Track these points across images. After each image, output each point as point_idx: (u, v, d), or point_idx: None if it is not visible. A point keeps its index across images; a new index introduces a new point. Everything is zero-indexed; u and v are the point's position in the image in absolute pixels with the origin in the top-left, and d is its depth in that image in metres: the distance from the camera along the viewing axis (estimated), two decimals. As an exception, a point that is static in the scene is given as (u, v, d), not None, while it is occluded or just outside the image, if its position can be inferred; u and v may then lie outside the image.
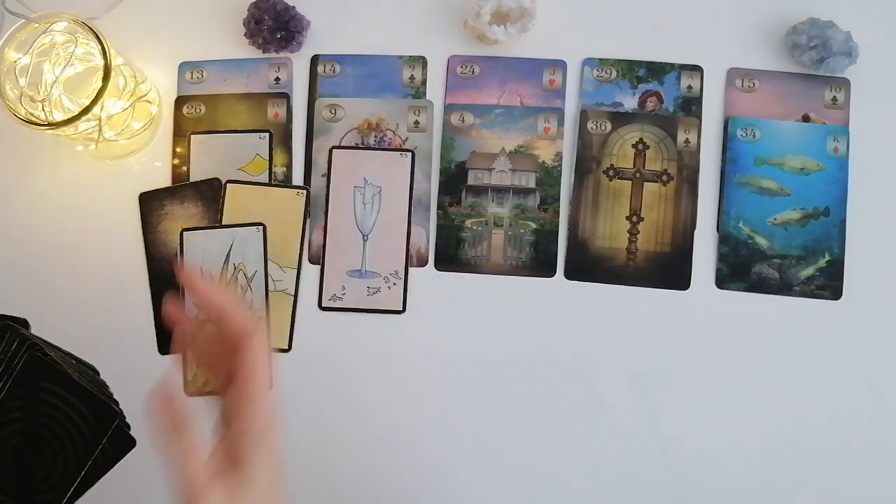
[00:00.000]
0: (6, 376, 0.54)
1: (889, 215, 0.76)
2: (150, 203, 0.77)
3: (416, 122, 0.78)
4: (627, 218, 0.76)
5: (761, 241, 0.75)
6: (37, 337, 0.57)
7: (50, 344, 0.59)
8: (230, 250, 0.76)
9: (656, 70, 0.78)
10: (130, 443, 0.62)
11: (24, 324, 0.60)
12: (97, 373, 0.63)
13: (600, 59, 0.78)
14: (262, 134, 0.78)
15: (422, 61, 0.79)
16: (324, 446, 0.75)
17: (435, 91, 0.78)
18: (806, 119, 0.77)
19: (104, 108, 0.71)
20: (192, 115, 0.79)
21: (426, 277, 0.76)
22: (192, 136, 0.78)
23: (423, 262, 0.77)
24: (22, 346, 0.54)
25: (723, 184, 0.76)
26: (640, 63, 0.78)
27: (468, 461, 0.74)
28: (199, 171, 0.78)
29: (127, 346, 0.76)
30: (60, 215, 0.78)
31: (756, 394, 0.74)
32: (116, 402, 0.61)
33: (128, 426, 0.62)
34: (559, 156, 0.77)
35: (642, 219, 0.76)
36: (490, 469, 0.74)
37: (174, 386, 0.53)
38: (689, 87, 0.77)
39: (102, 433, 0.59)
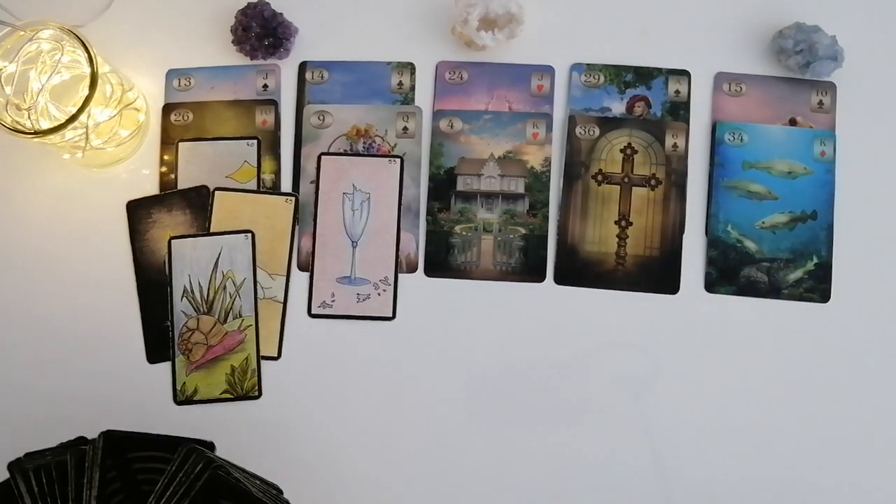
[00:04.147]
0: (185, 498, 0.54)
1: (876, 218, 0.76)
2: (138, 211, 0.77)
3: (405, 129, 0.78)
4: (616, 223, 0.76)
5: (749, 245, 0.76)
6: (222, 459, 0.57)
7: (235, 465, 0.59)
8: (218, 258, 0.75)
9: (644, 75, 0.78)
10: None
11: (210, 446, 0.60)
12: (280, 492, 0.63)
13: (588, 65, 0.78)
14: (251, 141, 0.78)
15: (410, 67, 0.79)
16: (315, 454, 0.74)
17: (423, 97, 0.78)
18: (793, 123, 0.77)
19: (91, 116, 0.71)
20: (179, 123, 0.79)
21: (416, 284, 0.76)
22: (179, 144, 0.78)
23: (412, 269, 0.76)
24: (206, 467, 0.55)
25: (711, 188, 0.76)
26: (627, 68, 0.78)
27: (459, 467, 0.74)
28: (186, 179, 0.77)
29: (115, 355, 0.76)
30: (47, 224, 0.78)
31: (746, 397, 0.74)
32: None
33: None
34: (548, 161, 0.77)
35: (631, 223, 0.76)
36: (481, 474, 0.74)
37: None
38: (677, 92, 0.78)
39: None
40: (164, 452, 0.57)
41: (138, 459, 0.59)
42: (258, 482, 0.61)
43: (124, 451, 0.58)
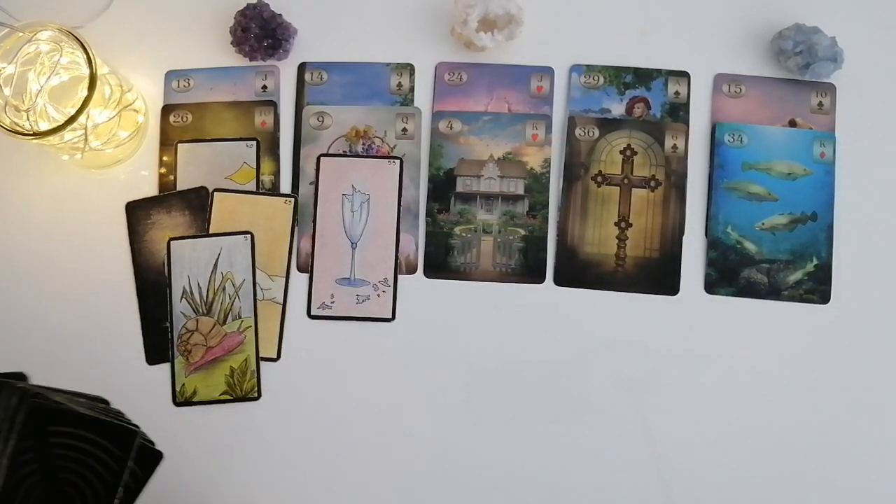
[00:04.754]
0: (10, 434, 0.53)
1: (876, 219, 0.76)
2: (137, 212, 0.77)
3: (404, 130, 0.78)
4: (616, 224, 0.76)
5: (749, 247, 0.75)
6: (37, 386, 0.56)
7: (53, 388, 0.58)
8: (218, 259, 0.75)
9: (643, 76, 0.78)
10: (157, 456, 0.61)
11: (21, 377, 0.59)
12: (108, 403, 0.62)
13: (587, 66, 0.78)
14: (250, 142, 0.78)
15: (409, 69, 0.79)
16: (314, 455, 0.74)
17: (423, 98, 0.78)
18: (792, 124, 0.77)
19: (90, 118, 0.71)
20: (178, 124, 0.78)
21: (415, 285, 0.76)
22: (178, 145, 0.78)
23: (412, 270, 0.76)
24: (21, 399, 0.54)
25: (710, 189, 0.76)
26: (627, 69, 0.78)
27: (458, 468, 0.74)
28: (186, 180, 0.77)
29: (114, 356, 0.75)
30: (46, 225, 0.78)
31: (745, 398, 0.74)
32: (134, 424, 0.61)
33: (151, 442, 0.61)
34: (547, 162, 0.77)
35: (631, 225, 0.76)
36: (481, 475, 0.74)
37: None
38: (677, 93, 0.78)
39: (125, 456, 0.58)
40: None
41: None
42: (82, 399, 0.60)
43: None
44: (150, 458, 0.60)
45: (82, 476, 0.56)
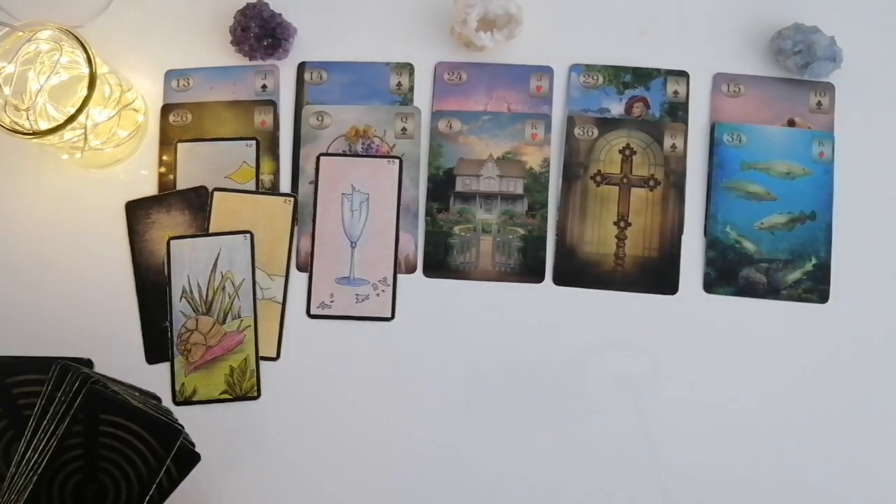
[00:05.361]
0: (65, 416, 0.54)
1: (874, 218, 0.76)
2: (137, 212, 0.77)
3: (404, 129, 0.78)
4: (615, 223, 0.76)
5: (748, 246, 0.76)
6: (99, 374, 0.57)
7: (113, 379, 0.59)
8: (217, 258, 0.75)
9: (642, 76, 0.78)
10: (194, 458, 0.61)
11: (88, 363, 0.60)
12: (160, 400, 0.63)
13: (587, 66, 0.78)
14: (249, 141, 0.78)
15: (409, 68, 0.79)
16: (314, 454, 0.74)
17: (422, 98, 0.78)
18: (791, 124, 0.77)
19: (90, 117, 0.71)
20: (178, 123, 0.79)
21: (415, 284, 0.76)
22: (178, 144, 0.78)
23: (411, 269, 0.76)
24: (83, 383, 0.55)
25: (709, 189, 0.76)
26: (626, 69, 0.78)
27: (458, 467, 0.74)
28: (185, 180, 0.77)
29: (114, 356, 0.75)
30: (46, 225, 0.78)
31: (744, 397, 0.74)
32: (180, 424, 0.61)
33: (192, 443, 0.62)
34: (546, 162, 0.77)
35: (630, 224, 0.76)
36: (479, 474, 0.74)
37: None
38: (676, 93, 0.78)
39: (166, 455, 0.58)
40: (40, 374, 0.57)
41: (17, 384, 0.59)
42: (137, 393, 0.61)
43: (2, 377, 0.58)
44: (187, 459, 0.60)
45: (121, 468, 0.57)
